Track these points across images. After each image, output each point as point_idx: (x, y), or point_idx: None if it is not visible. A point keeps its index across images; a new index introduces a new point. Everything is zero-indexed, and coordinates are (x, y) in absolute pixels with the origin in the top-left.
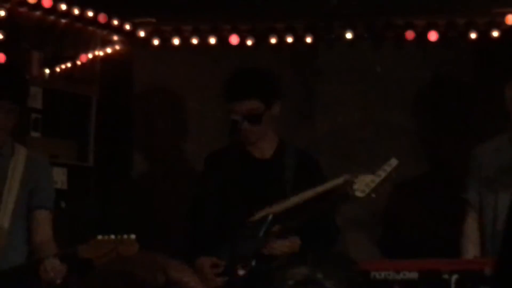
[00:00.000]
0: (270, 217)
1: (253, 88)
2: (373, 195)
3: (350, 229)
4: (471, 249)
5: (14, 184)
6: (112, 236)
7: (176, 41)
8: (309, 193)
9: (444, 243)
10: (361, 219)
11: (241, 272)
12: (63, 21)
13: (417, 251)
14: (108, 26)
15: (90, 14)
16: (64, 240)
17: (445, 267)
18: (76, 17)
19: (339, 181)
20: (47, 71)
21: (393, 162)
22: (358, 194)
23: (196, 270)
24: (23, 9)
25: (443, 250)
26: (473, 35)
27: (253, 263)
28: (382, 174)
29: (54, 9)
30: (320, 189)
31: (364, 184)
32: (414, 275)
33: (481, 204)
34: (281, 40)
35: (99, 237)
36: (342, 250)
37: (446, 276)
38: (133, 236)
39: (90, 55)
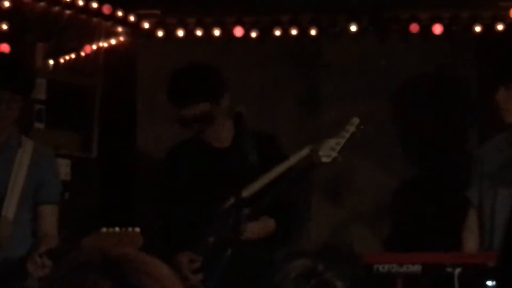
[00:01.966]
0: (240, 202)
1: (198, 92)
2: (340, 159)
3: (354, 222)
4: (472, 242)
5: (20, 176)
6: (117, 229)
7: (180, 33)
8: (276, 171)
9: (447, 237)
10: (365, 212)
11: None
12: (67, 12)
13: (420, 244)
14: (112, 17)
15: (95, 5)
16: (67, 231)
17: (449, 260)
18: (80, 8)
19: (304, 152)
20: (51, 62)
21: (355, 120)
22: (324, 159)
23: (173, 267)
24: (27, 0)
25: (446, 244)
26: (477, 29)
27: (229, 252)
28: (346, 134)
29: (58, 0)
30: (287, 164)
31: (329, 149)
32: (417, 268)
33: (480, 201)
34: (286, 33)
35: (104, 229)
36: (345, 243)
37: (449, 269)
38: (137, 229)
39: (94, 47)
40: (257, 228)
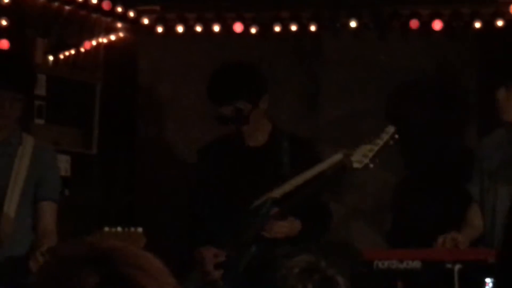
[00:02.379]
0: (270, 201)
1: (237, 91)
2: (371, 165)
3: (354, 218)
4: (469, 232)
5: (21, 173)
6: (119, 229)
7: (180, 29)
8: (309, 173)
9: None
10: (366, 208)
11: None
12: (67, 8)
13: (420, 240)
14: (112, 13)
15: (94, 1)
16: (67, 228)
17: (449, 256)
18: (80, 4)
19: (338, 157)
20: (51, 58)
21: (390, 129)
22: (356, 165)
23: (197, 261)
24: None
25: None
26: (477, 25)
27: (253, 248)
28: (380, 142)
29: None
30: (320, 167)
31: (361, 155)
32: (417, 264)
33: (482, 197)
34: (286, 29)
35: (106, 229)
36: (346, 239)
37: (449, 266)
38: (140, 229)
39: (94, 42)
40: (284, 227)
